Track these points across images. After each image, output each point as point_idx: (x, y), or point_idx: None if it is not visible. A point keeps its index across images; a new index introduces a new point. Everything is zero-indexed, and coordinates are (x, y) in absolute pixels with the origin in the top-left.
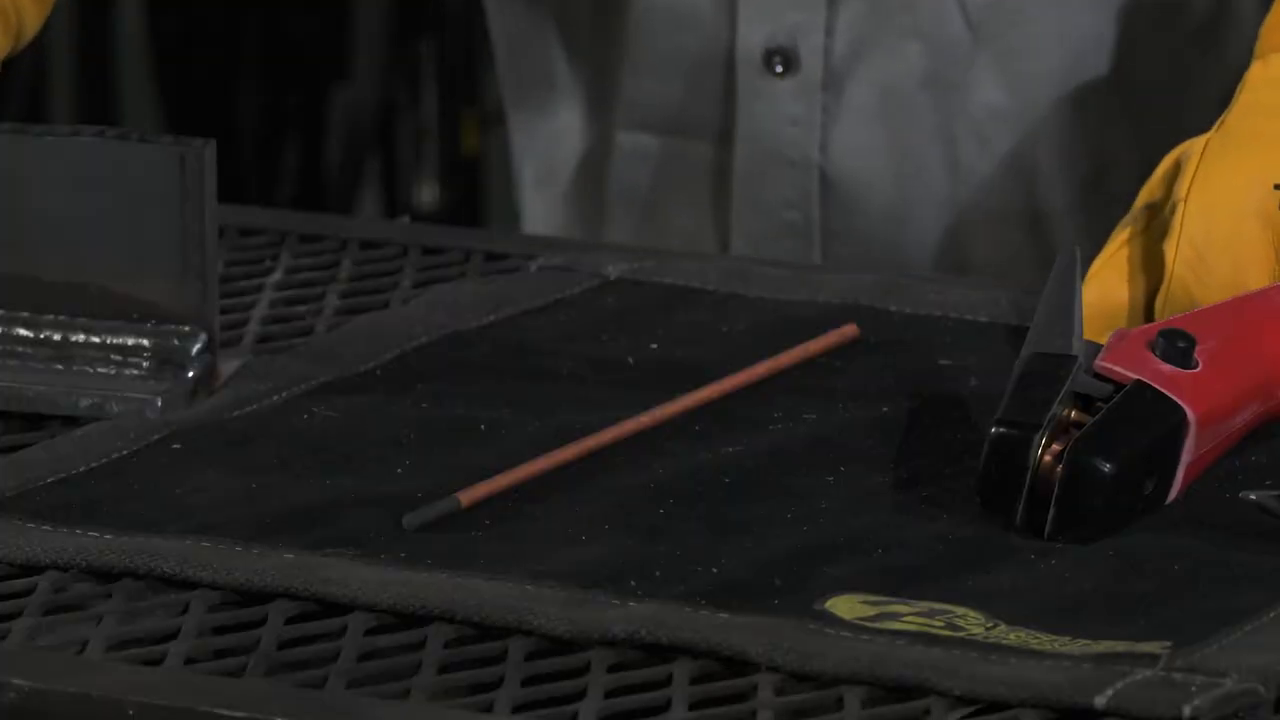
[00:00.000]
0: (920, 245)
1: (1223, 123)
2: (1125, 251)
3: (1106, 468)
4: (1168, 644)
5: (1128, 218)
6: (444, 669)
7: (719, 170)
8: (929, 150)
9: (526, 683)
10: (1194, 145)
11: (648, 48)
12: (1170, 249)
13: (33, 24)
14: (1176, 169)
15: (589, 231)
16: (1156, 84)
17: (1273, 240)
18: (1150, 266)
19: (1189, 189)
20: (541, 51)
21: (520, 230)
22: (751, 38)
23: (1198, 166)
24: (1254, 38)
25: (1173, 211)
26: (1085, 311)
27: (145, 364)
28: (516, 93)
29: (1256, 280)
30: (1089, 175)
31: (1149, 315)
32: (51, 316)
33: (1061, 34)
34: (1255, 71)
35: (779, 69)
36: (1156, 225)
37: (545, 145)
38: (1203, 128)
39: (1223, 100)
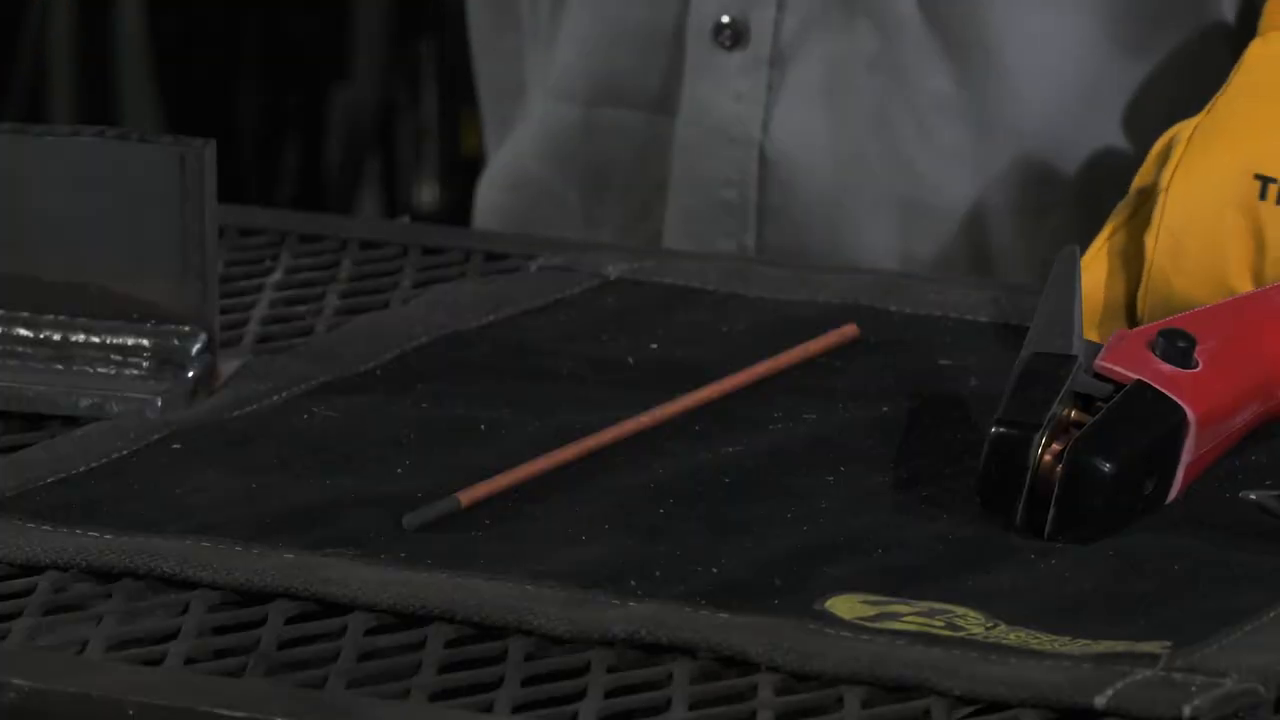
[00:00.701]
0: (856, 233)
1: (1213, 106)
2: (1112, 243)
3: (1106, 468)
4: (1168, 644)
5: (1120, 204)
6: (444, 669)
7: (657, 143)
8: (871, 135)
9: (526, 683)
10: (1184, 128)
11: (595, 17)
12: (1151, 238)
13: None
14: (1168, 152)
15: (527, 201)
16: (1112, 81)
17: (1252, 231)
18: (1135, 257)
19: (1171, 177)
20: (514, 67)
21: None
22: (703, 8)
23: (1182, 154)
24: (1214, 20)
25: (1156, 200)
26: None
27: (145, 364)
28: (477, 63)
29: (1236, 271)
30: (1036, 173)
31: (1132, 305)
32: (51, 316)
33: (1014, 25)
34: (1254, 49)
35: (728, 43)
36: (1143, 214)
37: (501, 111)
38: (1158, 124)
39: (1183, 95)
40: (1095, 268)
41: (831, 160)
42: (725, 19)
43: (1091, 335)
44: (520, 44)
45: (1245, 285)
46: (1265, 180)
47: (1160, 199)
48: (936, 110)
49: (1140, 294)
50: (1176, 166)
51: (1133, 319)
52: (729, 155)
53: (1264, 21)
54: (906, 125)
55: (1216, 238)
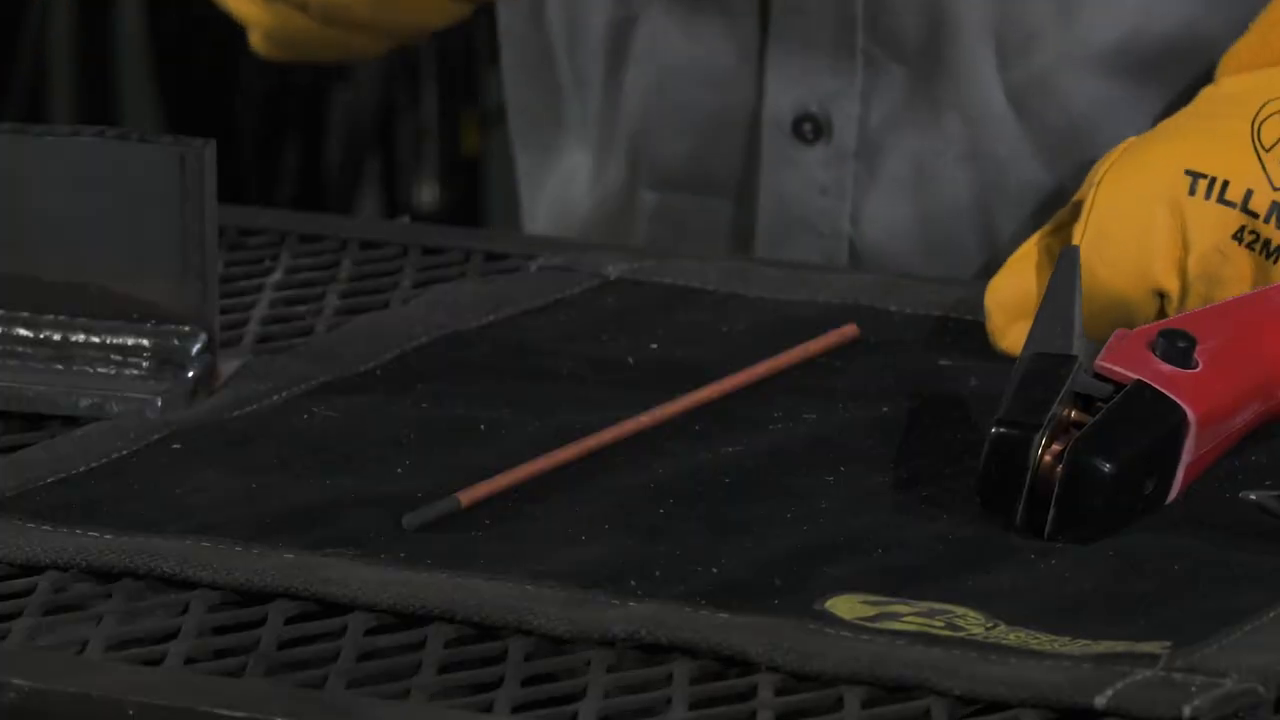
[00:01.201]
0: None
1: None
2: (1045, 242)
3: (1106, 468)
4: (1168, 644)
5: (1059, 211)
6: (444, 669)
7: (740, 230)
8: (963, 224)
9: (526, 683)
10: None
11: (666, 103)
12: (1078, 230)
13: None
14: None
15: None
16: None
17: (1179, 227)
18: (1054, 258)
19: (1104, 172)
20: (552, 103)
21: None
22: (780, 103)
23: (1119, 154)
24: None
25: (1088, 194)
26: (996, 303)
27: (145, 364)
28: (527, 138)
29: (1161, 266)
30: None
31: None
32: (51, 316)
33: (1104, 113)
34: (1205, 92)
35: (810, 137)
36: (1078, 216)
37: (558, 192)
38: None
39: None
40: (1024, 265)
41: (924, 249)
42: (806, 112)
43: (1017, 331)
44: (561, 114)
45: (1169, 280)
46: (1195, 176)
47: (1091, 193)
48: (1028, 198)
49: None
50: (1110, 164)
51: None
52: (816, 246)
53: (1219, 68)
54: (999, 214)
55: (1143, 230)
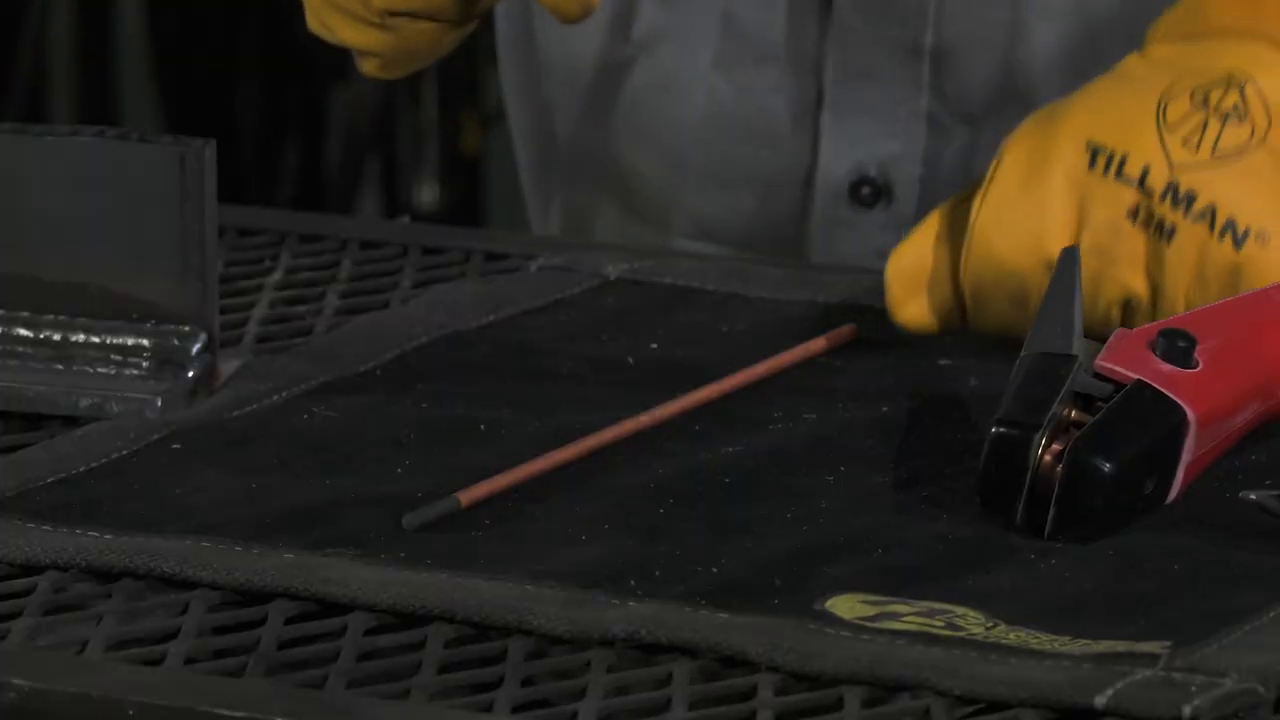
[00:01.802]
0: None
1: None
2: (947, 214)
3: (1107, 467)
4: (1168, 644)
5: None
6: (444, 669)
7: None
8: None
9: (526, 683)
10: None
11: (713, 159)
12: (977, 200)
13: None
14: None
15: None
16: None
17: (1076, 202)
18: (963, 229)
19: (1008, 144)
20: (583, 152)
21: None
22: (836, 166)
23: (1029, 123)
24: None
25: (990, 165)
26: (895, 274)
27: (145, 364)
28: (546, 184)
29: (1057, 238)
30: None
31: (955, 273)
32: (51, 316)
33: None
34: (1129, 58)
35: (868, 201)
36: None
37: (569, 224)
38: None
39: None
40: (925, 235)
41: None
42: (865, 176)
43: (915, 303)
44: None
45: None
46: (1096, 150)
47: (995, 161)
48: None
49: (963, 256)
50: (1014, 136)
51: (955, 283)
52: None
53: (1147, 35)
54: None
55: (1040, 202)
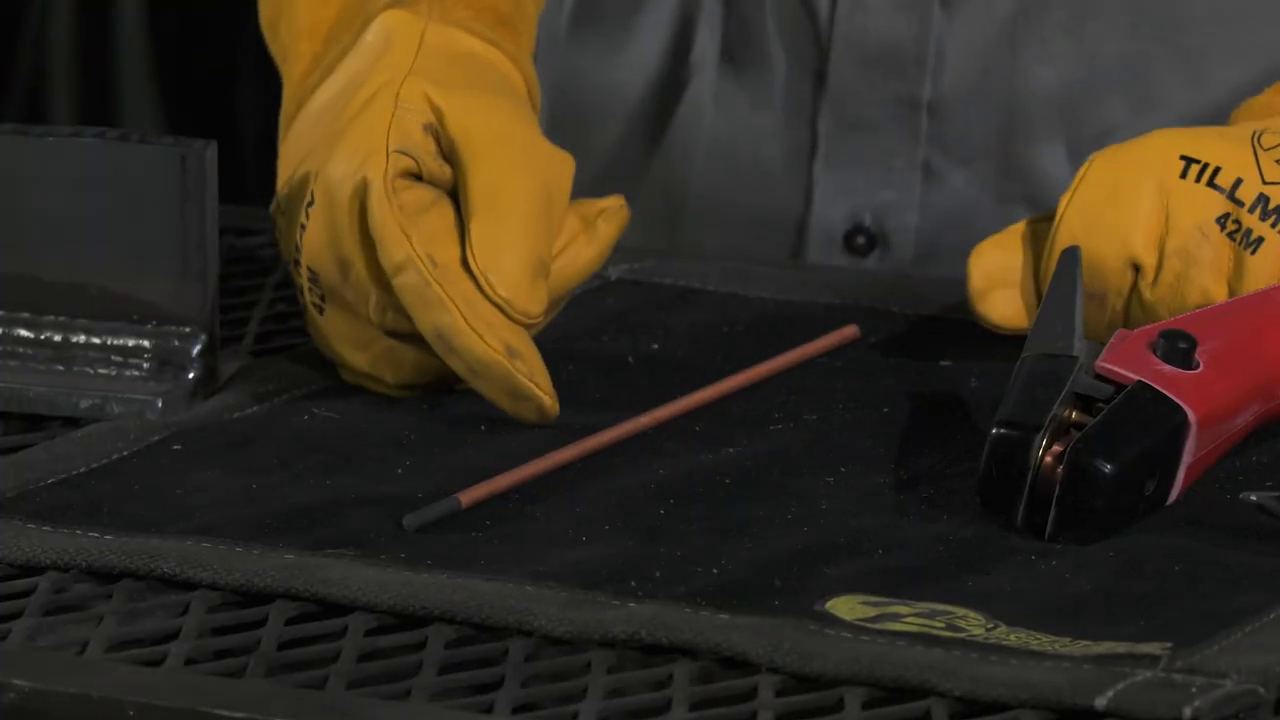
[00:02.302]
0: None
1: None
2: (1029, 222)
3: (1107, 469)
4: (1168, 645)
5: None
6: (444, 669)
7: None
8: None
9: (526, 683)
10: None
11: (711, 195)
12: (1065, 198)
13: None
14: None
15: None
16: None
17: (1164, 205)
18: (1043, 237)
19: (1099, 152)
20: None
21: None
22: (830, 214)
23: (1118, 143)
24: None
25: (1079, 172)
26: (979, 267)
27: (146, 365)
28: None
29: (1141, 239)
30: None
31: (1038, 272)
32: (52, 317)
33: None
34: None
35: (863, 249)
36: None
37: None
38: None
39: None
40: (1012, 239)
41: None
42: (859, 225)
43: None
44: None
45: (1147, 253)
46: (1189, 161)
47: (1083, 168)
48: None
49: (1046, 251)
50: (1107, 147)
51: (1037, 281)
52: None
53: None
54: None
55: (1128, 201)
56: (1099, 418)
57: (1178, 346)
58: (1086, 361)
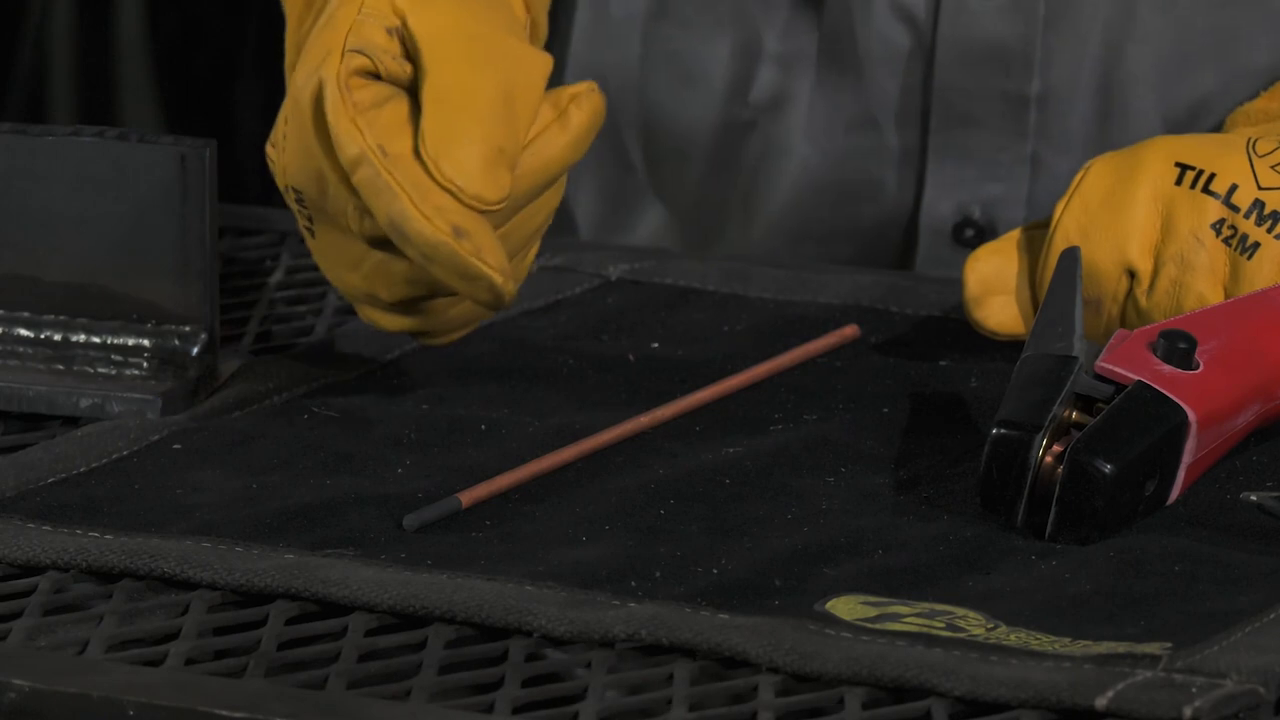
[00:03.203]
0: None
1: None
2: (1025, 230)
3: (1107, 469)
4: (1168, 645)
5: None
6: (444, 669)
7: None
8: None
9: (527, 683)
10: None
11: (809, 221)
12: (1060, 205)
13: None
14: None
15: None
16: None
17: (1160, 212)
18: (1037, 245)
19: (1096, 159)
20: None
21: None
22: (940, 208)
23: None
24: None
25: (1075, 179)
26: (975, 274)
27: (146, 364)
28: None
29: (1136, 246)
30: None
31: (1034, 279)
32: (52, 316)
33: None
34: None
35: (971, 241)
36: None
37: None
38: None
39: None
40: (1008, 245)
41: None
42: (968, 218)
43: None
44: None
45: (1142, 260)
46: (1185, 168)
47: (1079, 175)
48: None
49: (1042, 258)
50: (1104, 154)
51: (1033, 288)
52: None
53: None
54: None
55: (1124, 208)
56: (1099, 418)
57: (1178, 346)
58: (1086, 362)
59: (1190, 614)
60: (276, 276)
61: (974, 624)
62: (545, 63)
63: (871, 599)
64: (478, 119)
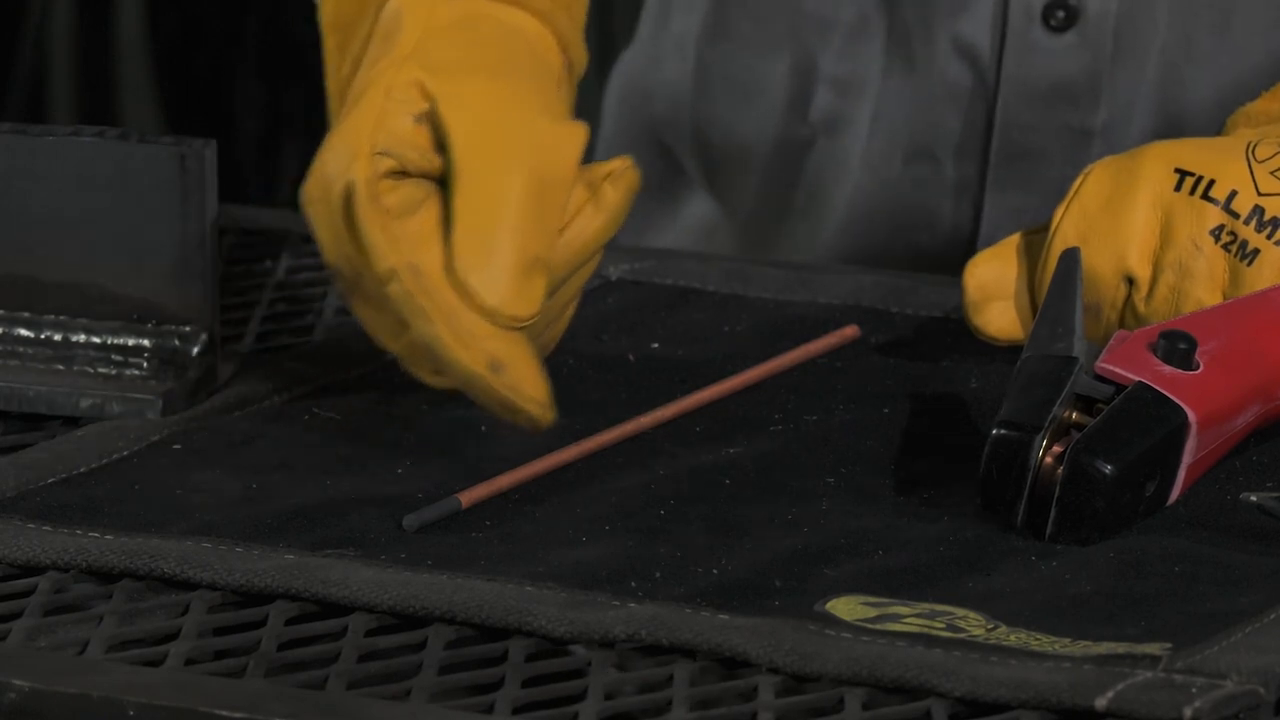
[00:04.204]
0: None
1: None
2: (1024, 235)
3: (1107, 469)
4: (1168, 645)
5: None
6: (444, 670)
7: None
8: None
9: (527, 683)
10: None
11: (859, 243)
12: (1059, 211)
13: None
14: None
15: None
16: None
17: (1159, 218)
18: (1036, 251)
19: (1094, 165)
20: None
21: None
22: (997, 238)
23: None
24: None
25: (1074, 183)
26: (974, 280)
27: (146, 364)
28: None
29: (1135, 253)
30: None
31: (1033, 284)
32: (52, 316)
33: None
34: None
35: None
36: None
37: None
38: None
39: None
40: (1006, 251)
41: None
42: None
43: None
44: None
45: (1141, 267)
46: (1184, 174)
47: (1078, 180)
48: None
49: (1040, 264)
50: (1103, 159)
51: (1032, 294)
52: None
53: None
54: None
55: (1123, 214)
56: (1099, 418)
57: (1178, 347)
58: (1086, 362)
59: (1190, 614)
60: (276, 276)
61: (974, 624)
62: (578, 139)
63: (871, 599)
64: (509, 227)
